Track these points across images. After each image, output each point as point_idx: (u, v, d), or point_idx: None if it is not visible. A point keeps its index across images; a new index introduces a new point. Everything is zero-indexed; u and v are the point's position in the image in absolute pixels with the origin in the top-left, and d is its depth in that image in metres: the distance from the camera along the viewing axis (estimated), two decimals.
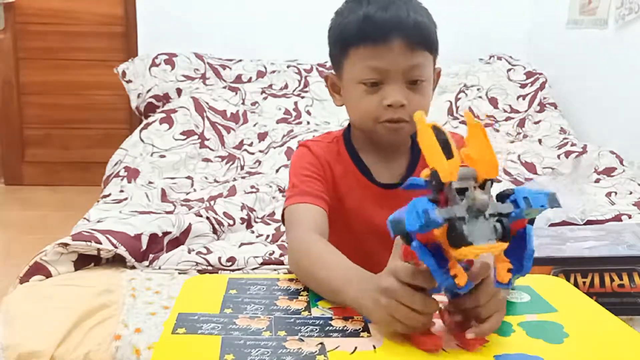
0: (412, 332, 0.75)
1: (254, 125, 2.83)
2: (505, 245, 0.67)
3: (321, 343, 0.74)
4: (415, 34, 1.01)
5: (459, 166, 0.67)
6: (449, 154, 0.66)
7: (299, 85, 3.05)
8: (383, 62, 1.01)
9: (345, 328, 0.78)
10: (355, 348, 0.73)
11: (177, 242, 1.70)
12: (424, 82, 1.04)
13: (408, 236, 0.69)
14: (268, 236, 1.86)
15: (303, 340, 0.74)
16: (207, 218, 1.85)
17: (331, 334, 0.77)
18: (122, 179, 2.35)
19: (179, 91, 2.93)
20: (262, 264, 1.59)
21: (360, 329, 0.78)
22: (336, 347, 0.73)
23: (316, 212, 1.04)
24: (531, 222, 0.72)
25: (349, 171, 1.12)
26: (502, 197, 0.69)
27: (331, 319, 0.81)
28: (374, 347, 0.74)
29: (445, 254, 0.69)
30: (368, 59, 1.02)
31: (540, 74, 3.14)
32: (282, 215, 1.10)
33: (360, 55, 1.03)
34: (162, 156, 2.56)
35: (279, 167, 2.48)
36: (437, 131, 0.67)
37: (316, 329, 0.78)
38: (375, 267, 1.01)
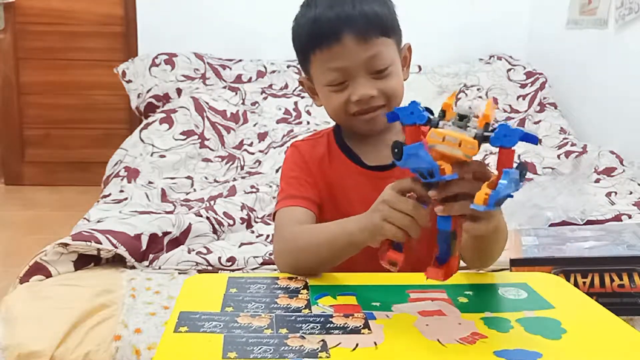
0: (399, 238, 0.83)
1: (254, 125, 2.84)
2: (475, 143, 0.74)
3: (323, 340, 0.74)
4: (365, 24, 1.01)
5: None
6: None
7: (299, 85, 3.05)
8: (340, 61, 1.02)
9: (346, 325, 0.79)
10: (357, 345, 0.74)
11: (177, 242, 1.70)
12: (389, 68, 1.04)
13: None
14: (268, 236, 1.86)
15: (305, 338, 0.75)
16: (207, 218, 1.85)
17: (332, 331, 0.77)
18: (122, 179, 2.35)
19: (179, 91, 2.94)
20: (262, 264, 1.59)
21: (360, 326, 0.79)
22: (337, 344, 0.73)
23: (301, 213, 1.06)
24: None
25: (340, 161, 1.13)
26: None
27: (332, 316, 0.81)
28: (375, 344, 0.74)
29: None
30: (327, 62, 1.03)
31: (540, 74, 3.14)
32: (274, 218, 1.12)
33: (319, 59, 1.04)
34: (162, 156, 2.56)
35: (279, 167, 2.48)
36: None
37: (317, 327, 0.78)
38: (374, 255, 1.03)
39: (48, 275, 1.45)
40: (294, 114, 2.92)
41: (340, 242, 0.95)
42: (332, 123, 1.19)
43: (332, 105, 1.07)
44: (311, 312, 0.83)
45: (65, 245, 1.48)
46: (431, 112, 0.81)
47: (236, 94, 2.97)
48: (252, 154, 2.67)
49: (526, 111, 3.01)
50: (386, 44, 1.04)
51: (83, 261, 1.51)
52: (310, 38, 1.04)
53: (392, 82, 1.05)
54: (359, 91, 1.02)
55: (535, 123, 2.93)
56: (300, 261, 0.98)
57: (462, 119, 0.77)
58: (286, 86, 3.06)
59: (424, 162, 0.77)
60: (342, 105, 1.05)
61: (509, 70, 3.19)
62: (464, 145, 0.75)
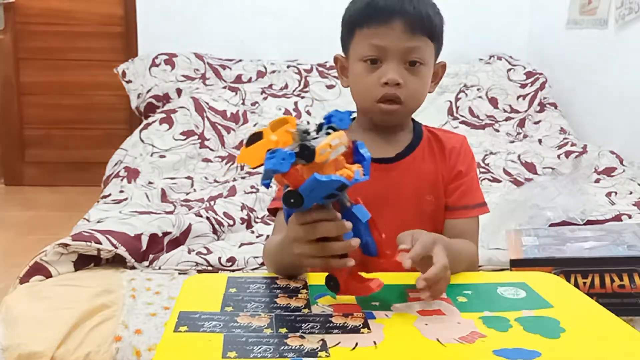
0: (331, 264, 0.83)
1: (254, 125, 2.83)
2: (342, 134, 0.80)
3: (322, 339, 0.74)
4: (416, 19, 1.08)
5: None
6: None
7: (299, 86, 3.06)
8: (383, 40, 1.08)
9: (345, 324, 0.79)
10: (356, 344, 0.74)
11: (177, 242, 1.70)
12: (422, 66, 1.10)
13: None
14: (268, 236, 1.85)
15: (304, 337, 0.75)
16: (207, 218, 1.85)
17: (332, 330, 0.77)
18: (122, 179, 2.35)
19: (179, 91, 2.94)
20: (262, 264, 1.58)
21: (360, 325, 0.79)
22: (337, 344, 0.74)
23: None
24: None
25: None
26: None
27: (331, 315, 0.81)
28: (375, 343, 0.74)
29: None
30: (370, 38, 1.09)
31: (540, 74, 3.15)
32: (272, 213, 1.19)
33: (364, 34, 1.10)
34: (162, 156, 2.56)
35: None
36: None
37: (317, 326, 0.78)
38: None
39: (48, 275, 1.45)
40: (294, 114, 2.92)
41: (285, 262, 0.96)
42: None
43: (362, 84, 1.11)
44: (311, 312, 0.83)
45: (65, 245, 1.48)
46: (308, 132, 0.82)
47: (236, 94, 2.97)
48: None
49: (526, 111, 3.01)
50: (427, 45, 1.10)
51: (83, 261, 1.51)
52: (362, 14, 1.10)
53: (419, 81, 1.10)
54: (389, 74, 1.07)
55: (536, 123, 2.93)
56: (269, 267, 1.07)
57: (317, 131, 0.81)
58: (286, 86, 3.06)
59: (332, 183, 0.76)
60: (371, 87, 1.09)
61: (509, 70, 3.19)
62: (341, 141, 0.79)
